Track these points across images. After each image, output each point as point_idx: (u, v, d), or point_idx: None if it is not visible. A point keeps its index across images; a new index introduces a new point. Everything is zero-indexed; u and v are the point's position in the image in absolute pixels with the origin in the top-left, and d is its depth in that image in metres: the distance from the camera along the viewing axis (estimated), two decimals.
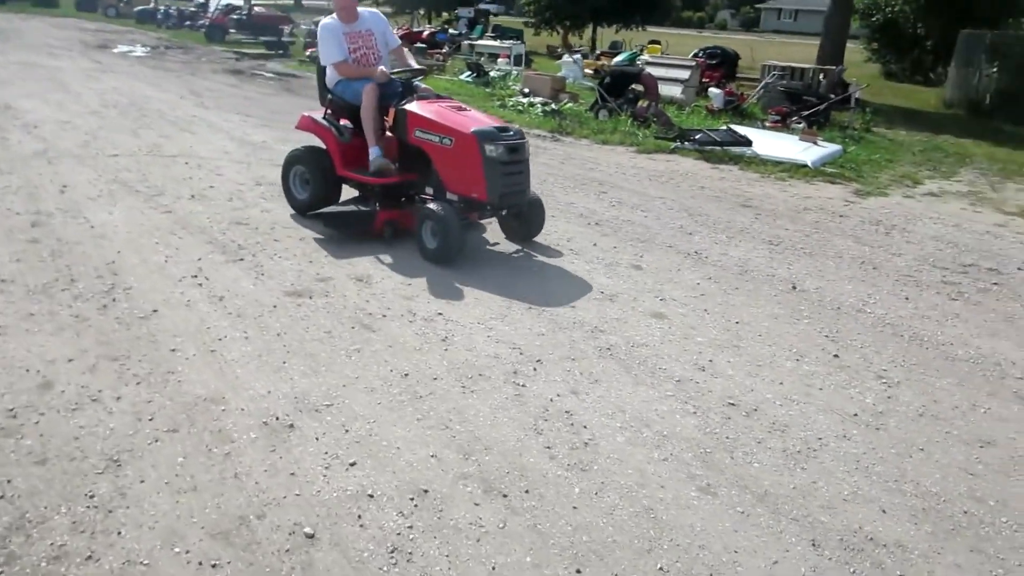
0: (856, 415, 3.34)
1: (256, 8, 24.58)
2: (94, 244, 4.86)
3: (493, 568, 2.31)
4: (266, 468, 2.71)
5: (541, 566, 2.33)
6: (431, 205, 4.88)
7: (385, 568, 2.28)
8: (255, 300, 4.16)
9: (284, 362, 3.49)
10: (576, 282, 4.76)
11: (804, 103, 11.52)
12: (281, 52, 20.66)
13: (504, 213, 5.14)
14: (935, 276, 5.27)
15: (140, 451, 2.76)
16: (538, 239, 5.45)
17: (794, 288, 4.87)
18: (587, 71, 16.58)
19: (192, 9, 29.21)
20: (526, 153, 4.96)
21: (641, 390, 3.44)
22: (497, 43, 20.25)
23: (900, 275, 5.24)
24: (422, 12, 38.55)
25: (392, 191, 5.34)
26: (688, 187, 7.61)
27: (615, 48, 21.80)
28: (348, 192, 5.64)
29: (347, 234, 5.25)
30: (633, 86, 11.50)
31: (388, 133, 5.33)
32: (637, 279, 4.87)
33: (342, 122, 5.51)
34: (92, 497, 2.50)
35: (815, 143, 9.59)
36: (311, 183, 5.64)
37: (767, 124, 11.18)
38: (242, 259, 4.77)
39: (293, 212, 5.78)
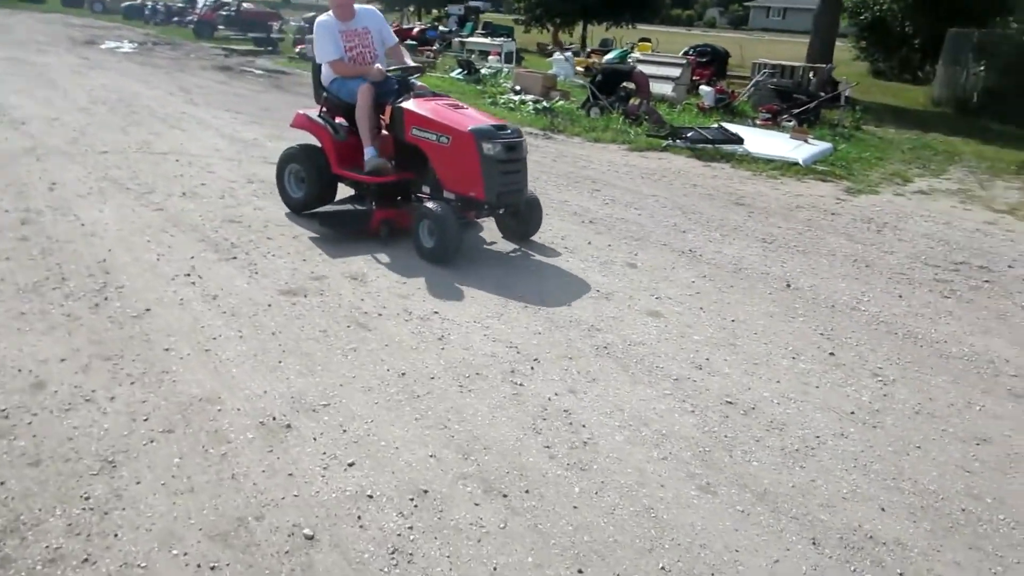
0: (853, 413, 3.35)
1: (244, 4, 24.50)
2: (85, 242, 4.80)
3: (495, 568, 2.30)
4: (264, 469, 2.69)
5: (543, 566, 2.33)
6: (428, 204, 4.85)
7: (386, 569, 2.27)
8: (249, 299, 4.12)
9: (280, 361, 3.46)
10: (572, 280, 4.75)
11: (794, 101, 11.56)
12: (270, 49, 20.56)
13: (501, 212, 5.11)
14: (927, 274, 5.30)
15: (135, 452, 2.73)
16: (533, 237, 5.43)
17: (788, 286, 4.88)
18: (578, 69, 16.58)
19: (180, 5, 29.08)
20: (524, 152, 4.92)
21: (639, 389, 3.44)
22: (488, 40, 20.22)
23: (893, 273, 5.26)
24: (412, 9, 38.45)
25: (388, 190, 5.30)
26: (681, 185, 7.61)
27: (605, 46, 21.81)
28: (344, 191, 5.61)
29: (343, 233, 5.21)
30: (624, 84, 11.50)
31: (384, 131, 5.29)
32: (632, 277, 4.87)
33: (337, 120, 5.45)
34: (87, 499, 2.47)
35: (806, 141, 9.62)
36: (306, 182, 5.56)
37: (758, 122, 11.22)
38: (235, 257, 4.73)
39: (287, 210, 5.73)
